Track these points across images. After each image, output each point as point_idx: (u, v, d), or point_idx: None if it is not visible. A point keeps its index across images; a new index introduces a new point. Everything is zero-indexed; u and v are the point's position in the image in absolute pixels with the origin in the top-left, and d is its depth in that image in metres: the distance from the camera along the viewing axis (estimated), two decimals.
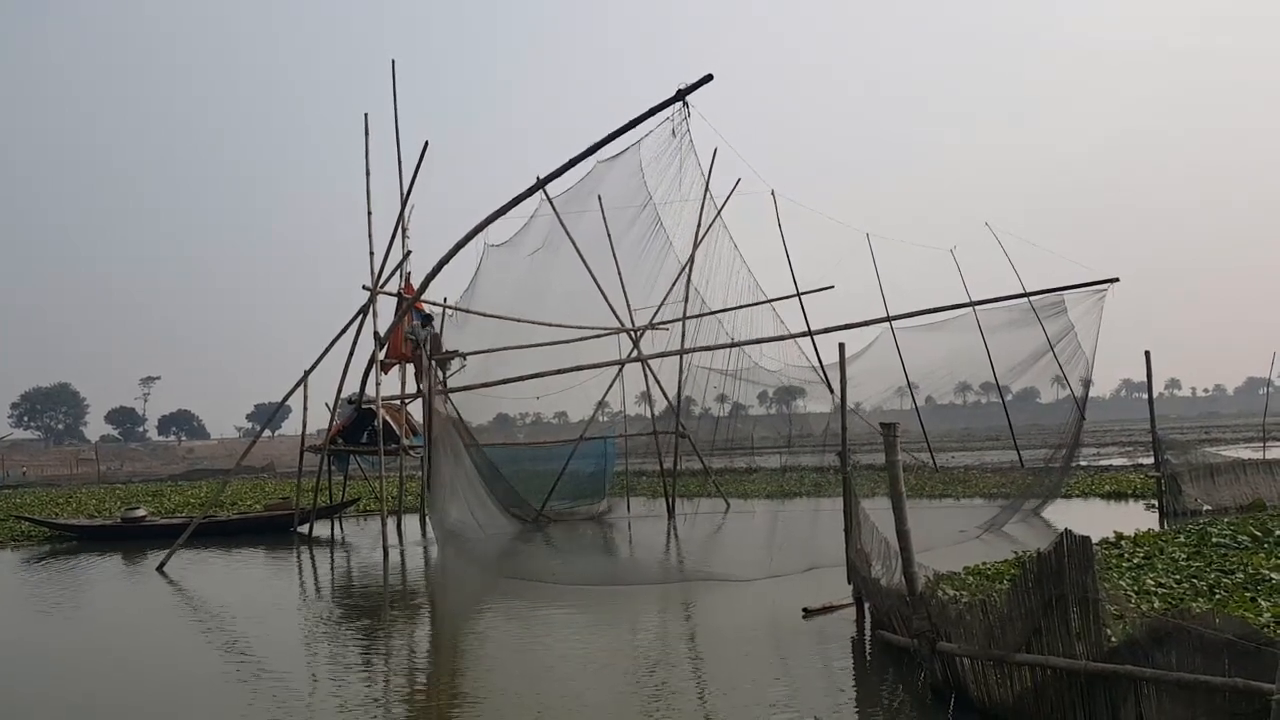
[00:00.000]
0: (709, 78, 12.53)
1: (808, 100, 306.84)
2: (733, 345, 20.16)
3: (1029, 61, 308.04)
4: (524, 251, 22.09)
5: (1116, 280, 20.81)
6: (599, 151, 14.57)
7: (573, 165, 14.88)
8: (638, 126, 13.47)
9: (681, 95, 12.36)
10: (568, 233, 22.85)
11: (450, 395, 19.88)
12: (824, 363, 20.88)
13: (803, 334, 19.84)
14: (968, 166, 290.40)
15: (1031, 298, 22.30)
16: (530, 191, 15.73)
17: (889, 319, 23.07)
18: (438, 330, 21.29)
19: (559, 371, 19.84)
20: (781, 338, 19.01)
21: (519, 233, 21.72)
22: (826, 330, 19.36)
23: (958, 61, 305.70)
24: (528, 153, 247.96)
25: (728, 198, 24.95)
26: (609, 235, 24.91)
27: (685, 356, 23.66)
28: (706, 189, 24.74)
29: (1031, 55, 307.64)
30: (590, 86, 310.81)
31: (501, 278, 22.17)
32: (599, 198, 24.95)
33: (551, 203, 20.77)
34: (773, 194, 24.43)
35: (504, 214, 15.70)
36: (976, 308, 23.47)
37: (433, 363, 19.66)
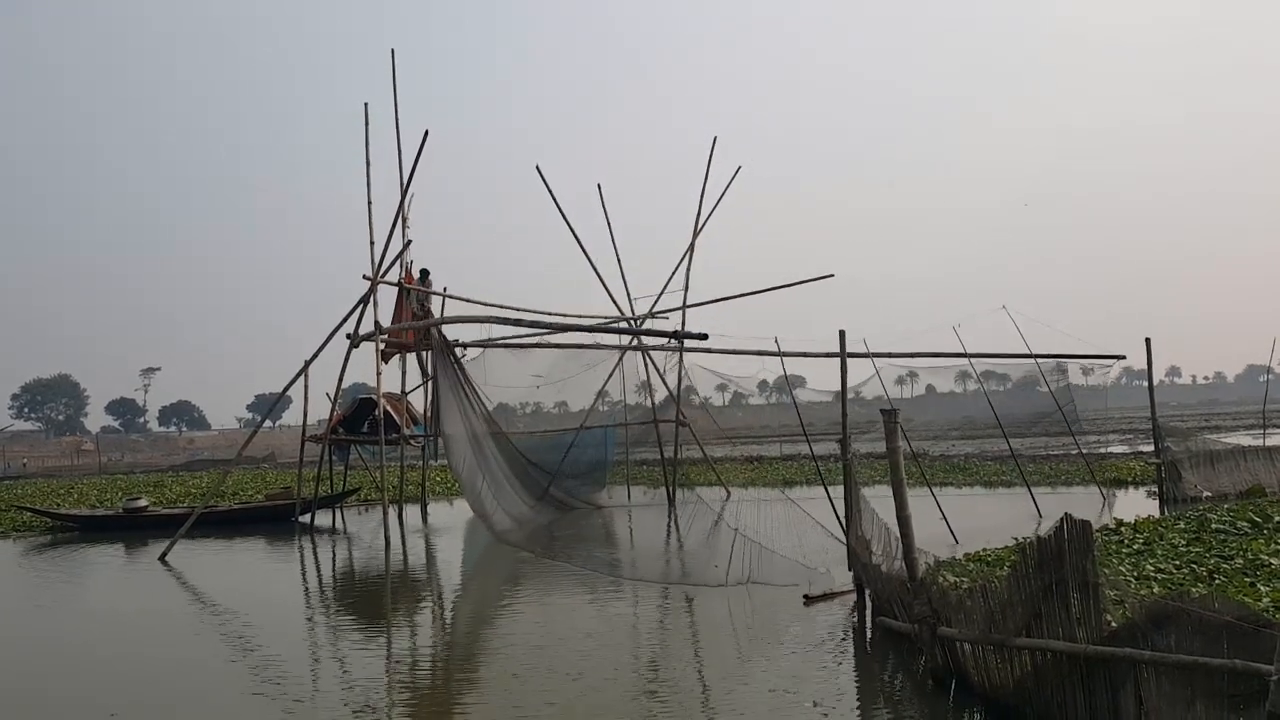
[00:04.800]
0: (704, 336, 12.19)
1: (813, 90, 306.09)
2: (723, 352, 20.40)
3: (1028, 50, 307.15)
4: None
5: (1124, 358, 21.66)
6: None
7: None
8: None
9: (678, 337, 12.30)
10: (577, 240, 22.72)
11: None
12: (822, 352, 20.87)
13: (799, 354, 19.91)
14: (968, 156, 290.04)
15: (1039, 360, 22.57)
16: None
17: (868, 353, 22.46)
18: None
19: (559, 347, 20.02)
20: (761, 353, 19.23)
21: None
22: (827, 355, 19.39)
23: (956, 53, 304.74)
24: (528, 141, 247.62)
25: (727, 186, 24.98)
26: (609, 228, 24.98)
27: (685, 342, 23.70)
28: (706, 178, 24.84)
29: (1032, 45, 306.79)
30: (592, 72, 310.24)
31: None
32: (599, 186, 25.02)
33: (563, 214, 20.70)
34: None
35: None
36: (974, 354, 23.35)
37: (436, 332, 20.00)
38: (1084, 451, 24.50)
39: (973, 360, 21.89)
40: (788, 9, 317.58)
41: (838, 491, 14.39)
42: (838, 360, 12.95)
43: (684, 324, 24.33)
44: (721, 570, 12.07)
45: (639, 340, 23.62)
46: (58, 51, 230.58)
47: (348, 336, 19.13)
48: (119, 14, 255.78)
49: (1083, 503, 18.71)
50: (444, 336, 20.55)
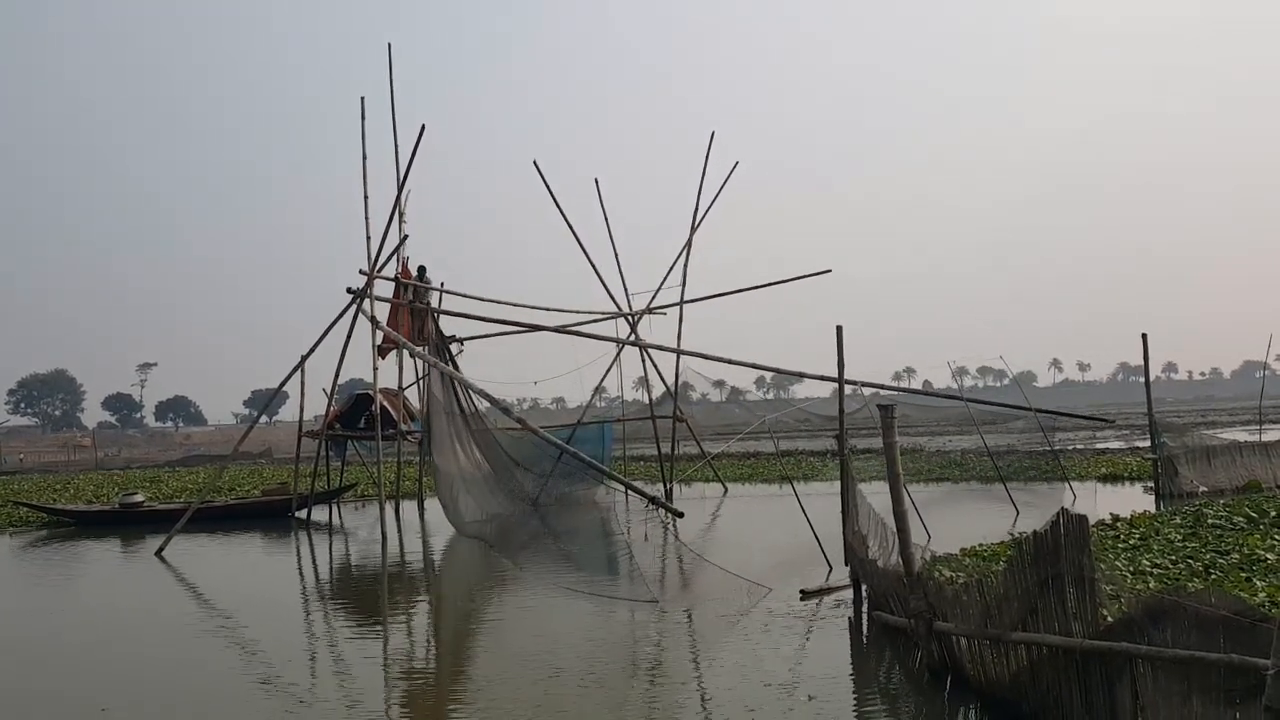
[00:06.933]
0: (680, 514, 12.80)
1: (814, 90, 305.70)
2: (724, 361, 20.46)
3: (1028, 46, 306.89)
4: None
5: (1113, 422, 25.44)
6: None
7: None
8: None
9: (656, 503, 12.43)
10: (575, 236, 22.71)
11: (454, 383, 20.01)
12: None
13: (794, 373, 20.18)
14: (967, 150, 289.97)
15: (1038, 414, 23.29)
16: None
17: (861, 382, 22.73)
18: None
19: (558, 329, 20.07)
20: (757, 365, 19.32)
21: None
22: (821, 378, 19.63)
23: (956, 53, 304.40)
24: (528, 138, 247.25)
25: (725, 182, 24.94)
26: (607, 224, 24.94)
27: (683, 339, 23.81)
28: (704, 174, 24.81)
29: (1031, 39, 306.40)
30: (592, 63, 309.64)
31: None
32: (596, 181, 25.00)
33: (561, 211, 20.67)
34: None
35: None
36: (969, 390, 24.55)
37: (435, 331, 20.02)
38: (1055, 448, 25.02)
39: (969, 364, 22.48)
40: (792, 8, 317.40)
41: (812, 487, 14.41)
42: (835, 355, 12.92)
43: (681, 320, 24.35)
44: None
45: (636, 336, 23.67)
46: (61, 52, 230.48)
47: (349, 291, 19.10)
48: (119, 17, 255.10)
49: (1071, 500, 18.83)
50: (441, 335, 20.55)
